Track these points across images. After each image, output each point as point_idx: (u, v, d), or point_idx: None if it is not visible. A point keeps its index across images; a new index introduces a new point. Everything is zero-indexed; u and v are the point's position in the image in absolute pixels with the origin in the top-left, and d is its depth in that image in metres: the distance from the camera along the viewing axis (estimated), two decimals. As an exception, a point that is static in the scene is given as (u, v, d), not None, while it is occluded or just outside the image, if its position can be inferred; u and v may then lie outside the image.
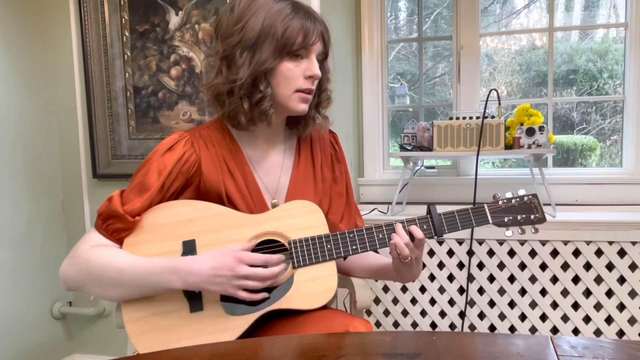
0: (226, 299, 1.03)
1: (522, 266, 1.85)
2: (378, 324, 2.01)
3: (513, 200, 1.13)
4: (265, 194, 1.15)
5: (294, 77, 1.07)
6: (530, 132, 1.79)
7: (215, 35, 1.12)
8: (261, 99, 1.06)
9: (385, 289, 1.98)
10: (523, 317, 1.87)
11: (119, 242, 1.05)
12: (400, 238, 1.06)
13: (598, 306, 1.80)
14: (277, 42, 1.04)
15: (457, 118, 1.87)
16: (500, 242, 1.85)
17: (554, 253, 1.81)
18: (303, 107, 1.10)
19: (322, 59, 1.13)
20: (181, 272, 0.98)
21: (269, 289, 1.03)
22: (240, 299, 1.01)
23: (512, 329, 1.88)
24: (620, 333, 1.79)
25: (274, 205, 1.14)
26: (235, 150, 1.14)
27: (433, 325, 1.95)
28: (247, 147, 1.15)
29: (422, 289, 1.95)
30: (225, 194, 1.10)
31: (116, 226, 1.04)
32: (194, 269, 0.98)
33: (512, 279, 1.86)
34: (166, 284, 0.99)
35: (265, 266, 1.00)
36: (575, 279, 1.80)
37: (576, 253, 1.79)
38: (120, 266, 1.00)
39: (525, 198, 1.13)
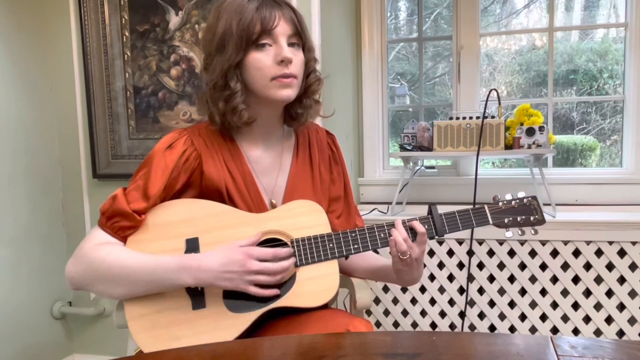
0: (229, 296, 1.03)
1: (522, 266, 1.85)
2: (378, 324, 2.01)
3: (513, 202, 1.13)
4: (263, 194, 1.15)
5: (265, 66, 1.05)
6: (530, 132, 1.79)
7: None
8: (230, 95, 1.06)
9: (385, 289, 1.98)
10: (523, 317, 1.87)
11: (124, 240, 1.05)
12: (398, 233, 1.07)
13: (598, 306, 1.80)
14: (236, 36, 1.03)
15: (457, 118, 1.87)
16: (500, 242, 1.85)
17: (554, 253, 1.81)
18: (286, 93, 1.07)
19: (300, 41, 1.09)
20: (191, 269, 0.99)
21: (277, 286, 1.03)
22: (246, 296, 1.01)
23: (512, 329, 1.88)
24: (620, 333, 1.79)
25: (272, 206, 1.15)
26: (235, 150, 1.14)
27: (433, 325, 1.95)
28: (246, 148, 1.15)
29: (422, 289, 1.96)
30: (227, 193, 1.10)
31: (122, 224, 1.04)
32: (204, 265, 0.99)
33: (512, 279, 1.86)
34: (177, 281, 0.99)
35: (274, 260, 1.01)
36: (575, 279, 1.80)
37: (576, 253, 1.79)
38: (130, 263, 1.00)
39: (525, 200, 1.14)
